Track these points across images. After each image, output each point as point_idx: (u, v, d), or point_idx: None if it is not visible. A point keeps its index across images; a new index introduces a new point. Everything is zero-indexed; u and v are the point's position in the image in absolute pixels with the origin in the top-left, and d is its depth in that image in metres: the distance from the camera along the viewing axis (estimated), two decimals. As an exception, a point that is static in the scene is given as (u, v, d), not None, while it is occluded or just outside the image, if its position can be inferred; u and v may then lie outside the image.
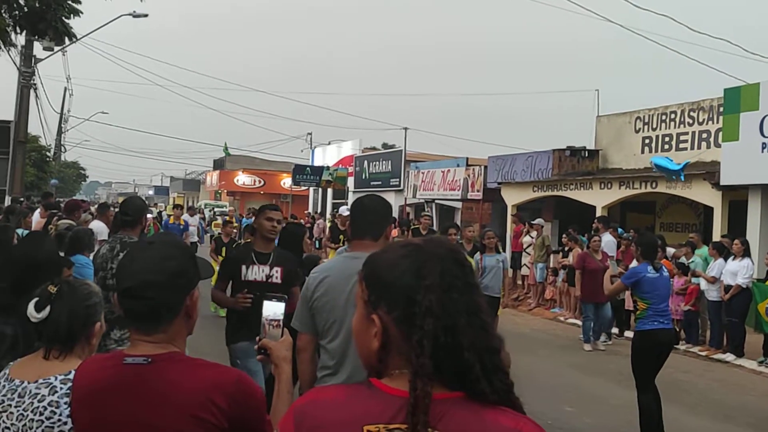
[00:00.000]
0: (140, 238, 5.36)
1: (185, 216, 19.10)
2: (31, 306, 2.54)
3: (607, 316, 12.80)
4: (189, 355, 2.08)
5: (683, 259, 13.52)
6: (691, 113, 18.10)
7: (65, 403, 2.31)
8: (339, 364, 3.31)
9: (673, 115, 18.68)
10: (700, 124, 17.81)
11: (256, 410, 2.04)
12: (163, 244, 2.08)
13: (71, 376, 2.25)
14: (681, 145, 18.25)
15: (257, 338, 2.29)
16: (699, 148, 17.60)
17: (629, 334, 12.14)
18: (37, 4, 8.43)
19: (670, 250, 14.49)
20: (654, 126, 19.28)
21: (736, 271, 11.72)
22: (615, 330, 13.65)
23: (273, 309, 2.30)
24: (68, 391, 2.28)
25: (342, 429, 1.45)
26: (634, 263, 13.77)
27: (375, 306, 1.54)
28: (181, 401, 1.92)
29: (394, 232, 14.25)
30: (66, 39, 9.23)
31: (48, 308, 2.53)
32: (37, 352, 2.56)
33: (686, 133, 18.17)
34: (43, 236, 4.33)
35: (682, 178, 14.69)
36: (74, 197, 33.11)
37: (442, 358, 1.45)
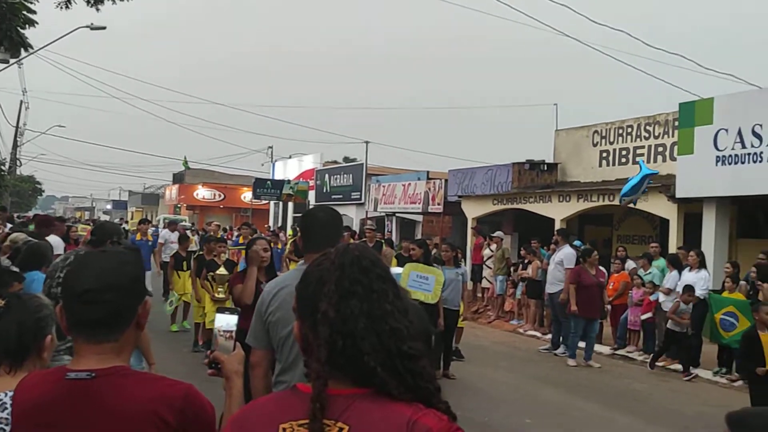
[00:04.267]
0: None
1: (165, 232, 18.52)
2: None
3: (596, 331, 12.71)
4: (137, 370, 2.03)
5: (641, 271, 13.70)
6: (647, 127, 18.40)
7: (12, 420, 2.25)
8: (293, 376, 3.28)
9: (629, 129, 18.97)
10: (656, 137, 18.10)
11: (205, 425, 1.98)
12: (117, 251, 2.05)
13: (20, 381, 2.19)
14: (637, 159, 18.50)
15: (208, 351, 2.26)
16: (655, 161, 17.86)
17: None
18: (-9, 15, 8.32)
19: (630, 263, 14.69)
20: (611, 140, 19.55)
21: (694, 283, 11.88)
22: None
23: (226, 320, 2.28)
24: None
25: (261, 428, 1.57)
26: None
27: (297, 314, 1.67)
28: (126, 417, 1.87)
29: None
30: (22, 50, 9.05)
31: None
32: None
33: (642, 147, 18.45)
34: None
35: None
36: (39, 213, 32.51)
37: (343, 362, 1.53)
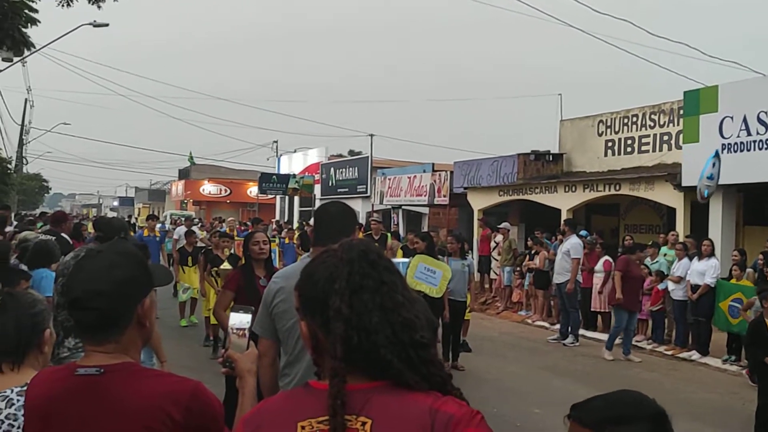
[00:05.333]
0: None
1: (180, 228, 18.51)
2: None
3: (634, 325, 12.53)
4: (147, 366, 2.04)
5: (647, 260, 13.66)
6: (653, 116, 18.34)
7: (23, 416, 2.26)
8: (299, 369, 3.30)
9: (634, 118, 18.92)
10: (661, 126, 18.04)
11: (213, 422, 1.99)
12: (112, 252, 2.03)
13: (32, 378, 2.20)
14: (643, 148, 18.48)
15: (222, 350, 2.26)
16: (660, 150, 17.83)
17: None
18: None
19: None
20: (616, 129, 19.50)
21: (704, 271, 11.85)
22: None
23: (239, 318, 2.27)
24: None
25: (278, 428, 1.56)
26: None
27: (303, 313, 1.65)
28: (134, 412, 1.88)
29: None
30: (24, 49, 9.07)
31: None
32: None
33: (648, 136, 18.41)
34: None
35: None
36: (46, 211, 32.55)
37: (359, 357, 1.53)
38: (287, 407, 1.60)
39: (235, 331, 2.26)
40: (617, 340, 12.19)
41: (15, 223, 17.11)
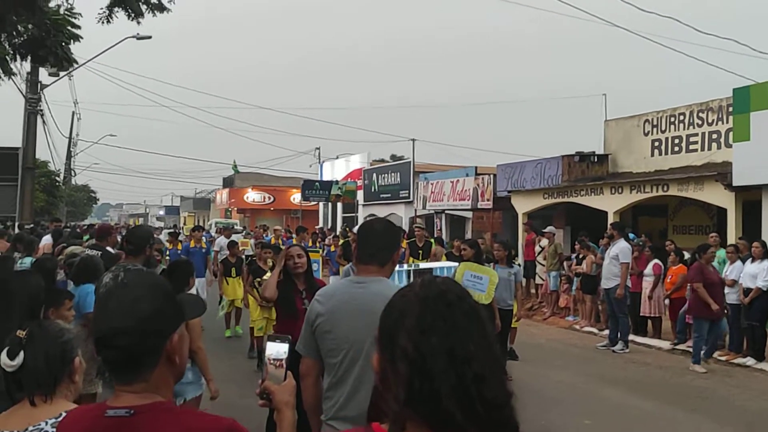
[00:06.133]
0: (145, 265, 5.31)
1: (220, 239, 18.20)
2: (3, 355, 2.42)
3: (724, 329, 12.01)
4: (176, 404, 1.96)
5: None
6: (700, 114, 17.95)
7: None
8: (342, 392, 3.26)
9: (682, 117, 18.54)
10: (709, 124, 17.65)
11: None
12: (136, 284, 1.92)
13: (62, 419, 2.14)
14: (691, 147, 18.10)
15: (259, 381, 2.18)
16: (709, 149, 17.44)
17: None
18: (36, 31, 8.44)
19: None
20: (663, 128, 19.13)
21: (756, 274, 11.50)
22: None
23: (276, 348, 2.20)
24: None
25: None
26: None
27: (377, 345, 1.54)
28: None
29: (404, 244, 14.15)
30: (67, 65, 9.20)
31: (21, 354, 2.42)
32: (23, 401, 2.45)
33: (696, 135, 18.02)
34: (28, 271, 4.23)
35: None
36: (94, 222, 33.05)
37: (420, 403, 1.40)
38: None
39: (272, 361, 2.18)
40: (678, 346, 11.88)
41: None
